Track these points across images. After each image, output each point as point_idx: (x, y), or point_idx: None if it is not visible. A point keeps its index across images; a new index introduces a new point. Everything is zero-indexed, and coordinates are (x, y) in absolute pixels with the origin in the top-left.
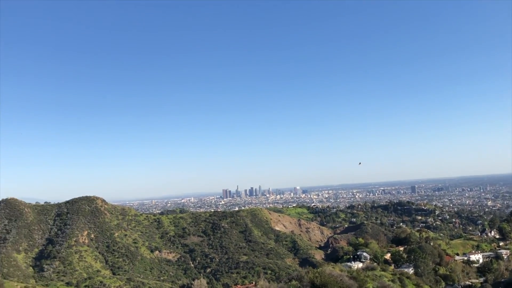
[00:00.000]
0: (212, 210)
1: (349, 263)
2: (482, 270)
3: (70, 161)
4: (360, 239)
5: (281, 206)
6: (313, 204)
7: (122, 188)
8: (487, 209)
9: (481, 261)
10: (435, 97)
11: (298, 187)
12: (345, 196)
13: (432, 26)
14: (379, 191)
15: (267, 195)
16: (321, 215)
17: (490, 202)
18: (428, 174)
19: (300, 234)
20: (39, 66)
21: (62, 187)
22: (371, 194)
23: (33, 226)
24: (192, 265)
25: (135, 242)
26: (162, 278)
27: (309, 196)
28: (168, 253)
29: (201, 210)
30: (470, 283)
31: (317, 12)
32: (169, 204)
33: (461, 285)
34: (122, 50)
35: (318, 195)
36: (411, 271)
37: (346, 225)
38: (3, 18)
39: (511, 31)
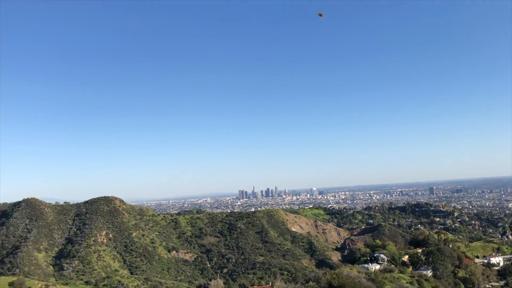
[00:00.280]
0: (229, 211)
1: (366, 265)
2: (503, 273)
3: (89, 162)
4: (377, 241)
5: (297, 207)
6: (329, 205)
7: (140, 189)
8: (507, 211)
9: (501, 264)
10: (454, 97)
11: (314, 188)
12: (362, 197)
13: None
14: (396, 193)
15: (283, 196)
16: (337, 216)
17: (511, 204)
18: (446, 176)
19: (316, 235)
20: (65, 67)
21: (81, 188)
22: (389, 196)
23: (53, 225)
24: (209, 265)
25: (152, 242)
26: (179, 278)
27: (325, 197)
28: (185, 253)
29: (218, 210)
30: (491, 286)
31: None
32: (186, 205)
33: None
34: (155, 55)
35: (335, 196)
36: (429, 273)
37: (363, 227)
38: (3, 18)
39: None
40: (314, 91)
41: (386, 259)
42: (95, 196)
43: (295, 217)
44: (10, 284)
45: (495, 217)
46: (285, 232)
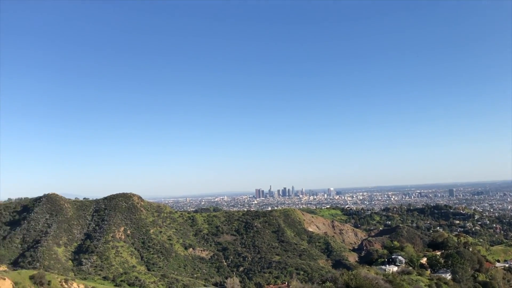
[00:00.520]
0: (245, 210)
1: (383, 266)
2: None
3: (109, 159)
4: (395, 242)
5: (314, 207)
6: (347, 205)
7: (158, 186)
8: None
9: None
10: (476, 97)
11: (332, 189)
12: (380, 198)
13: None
14: (415, 194)
15: (300, 195)
16: (355, 217)
17: None
18: (466, 177)
19: (333, 236)
20: (81, 66)
21: (100, 184)
22: (407, 197)
23: (73, 221)
24: (225, 263)
25: (169, 239)
26: (195, 275)
27: (343, 197)
28: (201, 250)
29: (234, 209)
30: None
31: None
32: (203, 202)
33: None
34: (176, 52)
35: (352, 197)
36: (448, 276)
37: (380, 228)
38: (3, 18)
39: None
40: (334, 91)
41: (404, 261)
42: (114, 193)
43: (312, 217)
44: (31, 277)
45: None
46: (301, 232)
